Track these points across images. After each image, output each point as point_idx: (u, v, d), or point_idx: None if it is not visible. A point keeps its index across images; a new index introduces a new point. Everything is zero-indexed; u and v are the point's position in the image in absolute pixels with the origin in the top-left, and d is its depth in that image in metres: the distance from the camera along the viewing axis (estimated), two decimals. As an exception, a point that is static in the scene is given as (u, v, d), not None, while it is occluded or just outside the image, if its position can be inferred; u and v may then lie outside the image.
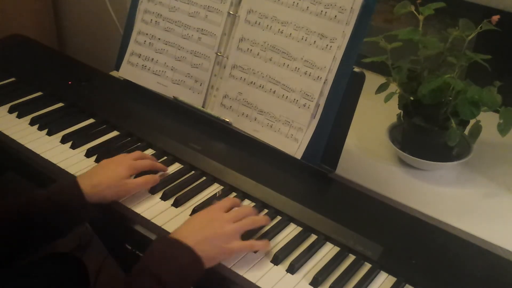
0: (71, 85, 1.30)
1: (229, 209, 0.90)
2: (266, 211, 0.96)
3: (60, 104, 1.25)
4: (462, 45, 1.04)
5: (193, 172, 1.04)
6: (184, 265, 0.79)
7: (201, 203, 0.97)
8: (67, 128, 1.15)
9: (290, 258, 0.86)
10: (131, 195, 0.97)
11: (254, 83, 1.09)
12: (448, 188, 1.07)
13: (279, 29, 1.06)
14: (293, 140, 1.04)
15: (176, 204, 0.96)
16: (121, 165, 0.96)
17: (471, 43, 1.05)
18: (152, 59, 1.23)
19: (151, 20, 1.22)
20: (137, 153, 1.03)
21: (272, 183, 1.00)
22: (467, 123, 1.07)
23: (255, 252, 0.87)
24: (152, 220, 0.92)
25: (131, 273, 0.78)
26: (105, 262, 1.67)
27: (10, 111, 1.21)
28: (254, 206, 0.96)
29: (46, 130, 1.14)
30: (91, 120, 1.19)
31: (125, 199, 0.96)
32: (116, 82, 1.31)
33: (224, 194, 0.99)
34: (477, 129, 1.06)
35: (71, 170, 1.03)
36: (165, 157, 1.08)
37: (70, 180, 0.94)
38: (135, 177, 0.98)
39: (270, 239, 0.90)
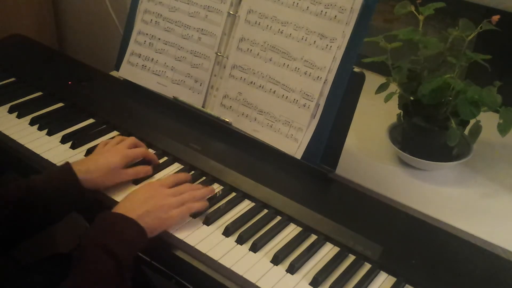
0: (71, 85, 1.30)
1: (171, 186, 0.95)
2: (266, 211, 0.96)
3: (60, 104, 1.25)
4: (462, 45, 1.04)
5: (193, 172, 1.04)
6: (130, 236, 0.85)
7: (201, 203, 0.97)
8: (67, 128, 1.15)
9: (290, 258, 0.86)
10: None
11: (254, 83, 1.09)
12: (448, 188, 1.07)
13: (279, 29, 1.06)
14: (293, 140, 1.04)
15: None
16: (115, 155, 1.00)
17: (471, 43, 1.05)
18: (152, 59, 1.23)
19: (151, 20, 1.22)
20: (132, 140, 1.06)
21: (272, 183, 1.00)
22: (467, 123, 1.07)
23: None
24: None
25: (80, 247, 0.82)
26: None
27: (10, 111, 1.21)
28: (254, 206, 0.96)
29: (46, 130, 1.14)
30: (91, 120, 1.19)
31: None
32: (116, 82, 1.31)
33: (224, 194, 0.99)
34: (477, 129, 1.06)
35: (71, 170, 1.03)
36: (165, 157, 1.08)
37: (63, 165, 0.97)
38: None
39: (270, 239, 0.90)
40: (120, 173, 0.99)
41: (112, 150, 1.02)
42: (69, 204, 0.95)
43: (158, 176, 1.03)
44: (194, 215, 0.93)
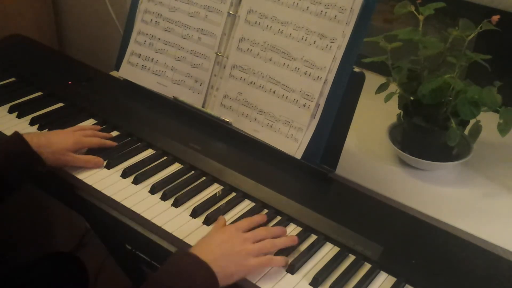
0: (71, 85, 1.30)
1: (247, 230, 0.88)
2: (266, 211, 0.96)
3: (60, 104, 1.25)
4: (462, 45, 1.04)
5: (193, 172, 1.04)
6: (199, 282, 0.78)
7: (201, 203, 0.96)
8: (67, 128, 1.15)
9: (290, 258, 0.86)
10: (133, 195, 0.97)
11: (254, 83, 1.09)
12: (448, 188, 1.07)
13: (279, 29, 1.06)
14: (293, 140, 1.04)
15: (176, 204, 0.96)
16: (69, 137, 1.03)
17: (471, 43, 1.05)
18: (152, 59, 1.23)
19: (151, 20, 1.22)
20: (90, 131, 1.10)
21: (272, 183, 1.00)
22: (467, 123, 1.07)
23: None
24: (152, 220, 0.92)
25: (146, 283, 0.78)
26: (105, 262, 1.67)
27: (10, 111, 1.21)
28: (254, 206, 0.96)
29: (46, 130, 1.14)
30: (91, 120, 1.19)
31: (124, 199, 0.96)
32: (116, 82, 1.31)
33: (224, 194, 0.99)
34: (477, 129, 1.06)
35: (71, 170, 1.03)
36: (165, 157, 1.08)
37: (12, 134, 1.00)
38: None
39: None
40: (69, 155, 1.01)
41: (66, 133, 1.05)
42: (21, 170, 0.97)
43: (160, 175, 1.03)
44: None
